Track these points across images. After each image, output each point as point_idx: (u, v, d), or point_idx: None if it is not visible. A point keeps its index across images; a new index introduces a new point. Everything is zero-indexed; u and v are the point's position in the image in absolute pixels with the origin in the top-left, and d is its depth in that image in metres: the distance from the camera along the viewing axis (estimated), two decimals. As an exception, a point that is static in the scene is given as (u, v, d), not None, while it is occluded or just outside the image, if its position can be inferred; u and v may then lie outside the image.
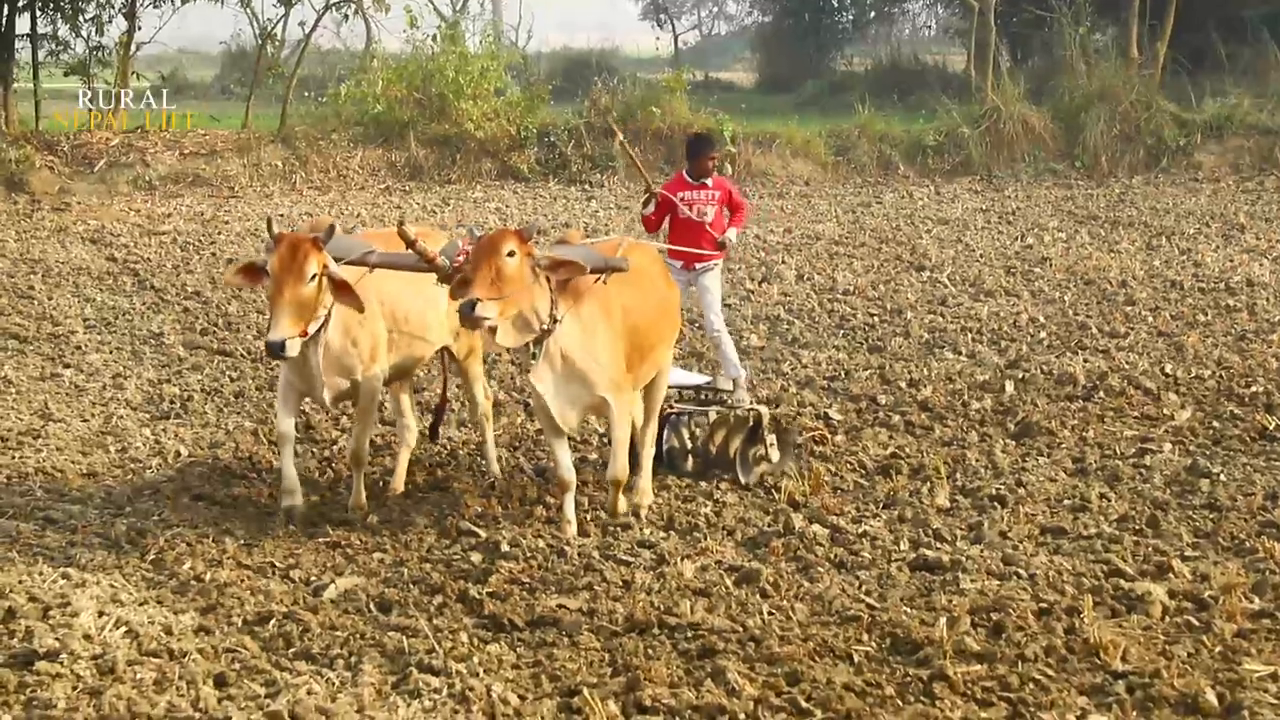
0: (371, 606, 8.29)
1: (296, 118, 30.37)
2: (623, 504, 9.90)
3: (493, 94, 30.43)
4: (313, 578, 8.79)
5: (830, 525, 9.62)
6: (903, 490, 10.39)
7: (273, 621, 7.99)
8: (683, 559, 8.99)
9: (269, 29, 32.25)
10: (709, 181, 11.97)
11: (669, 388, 10.94)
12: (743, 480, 10.74)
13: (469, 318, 8.71)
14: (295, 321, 9.09)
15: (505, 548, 9.24)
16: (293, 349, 9.09)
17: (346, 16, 33.44)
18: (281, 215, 24.77)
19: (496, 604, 8.26)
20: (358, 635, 7.83)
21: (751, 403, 11.56)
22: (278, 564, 9.05)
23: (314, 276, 9.15)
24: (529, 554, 9.15)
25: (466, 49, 31.29)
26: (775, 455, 10.96)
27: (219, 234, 22.81)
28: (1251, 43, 34.64)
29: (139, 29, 30.37)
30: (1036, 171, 30.23)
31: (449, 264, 9.48)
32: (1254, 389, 12.72)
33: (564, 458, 9.68)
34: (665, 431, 11.06)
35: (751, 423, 11.03)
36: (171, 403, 13.01)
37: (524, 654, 7.63)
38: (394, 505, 10.25)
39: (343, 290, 9.30)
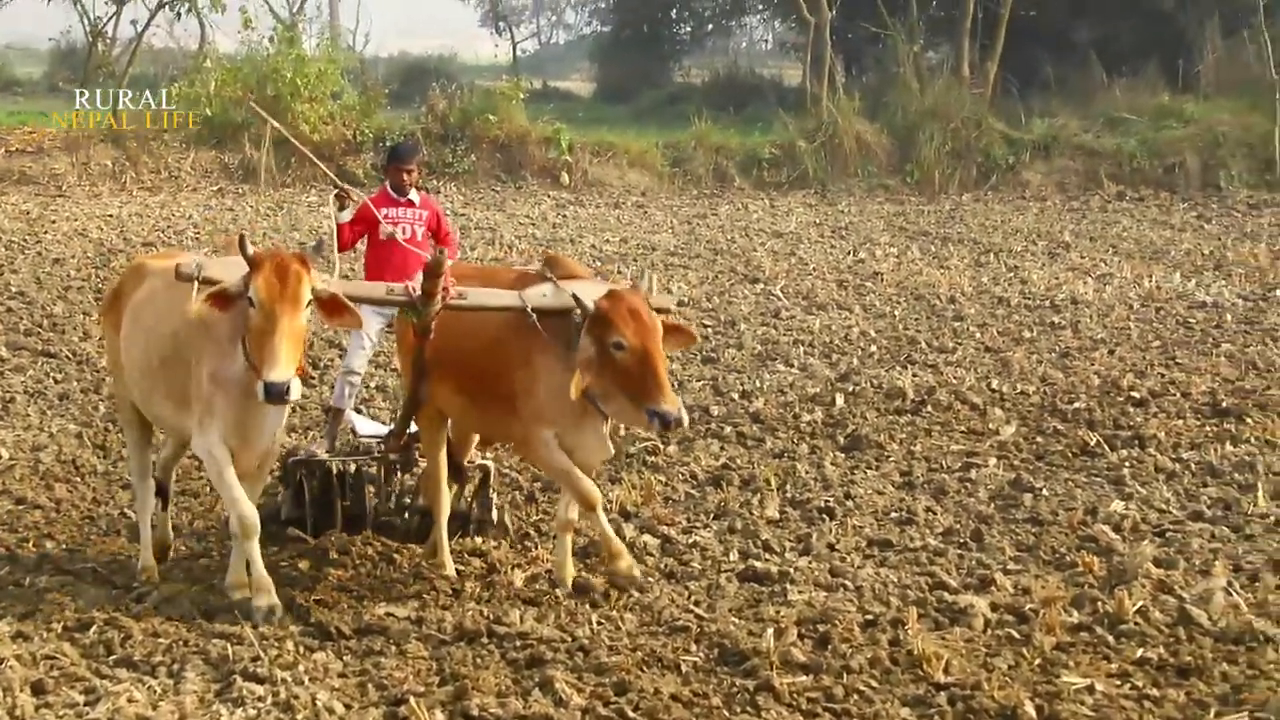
0: (195, 613, 8.18)
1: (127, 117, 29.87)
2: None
3: (329, 97, 30.18)
4: (135, 583, 8.65)
5: (661, 535, 9.66)
6: (733, 501, 10.45)
7: (93, 628, 7.86)
8: (513, 568, 9.00)
9: (100, 26, 31.71)
10: (414, 198, 10.63)
11: (367, 438, 10.27)
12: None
13: (677, 428, 8.02)
14: (294, 358, 7.74)
15: (334, 555, 9.18)
16: (295, 391, 7.76)
17: (180, 15, 32.84)
18: (111, 215, 24.40)
19: (324, 611, 8.20)
20: (180, 642, 7.72)
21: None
22: (100, 569, 8.90)
23: (309, 303, 7.92)
24: (358, 561, 9.10)
25: (303, 51, 30.99)
26: (477, 512, 9.81)
27: (45, 233, 22.39)
28: (1079, 65, 35.32)
29: (-36, 24, 29.80)
30: (870, 186, 30.58)
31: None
32: (1076, 405, 12.94)
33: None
34: (340, 489, 9.72)
35: (477, 479, 9.85)
36: (-7, 404, 12.75)
37: (350, 662, 7.57)
38: (220, 511, 10.09)
39: (335, 310, 8.14)
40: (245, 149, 29.14)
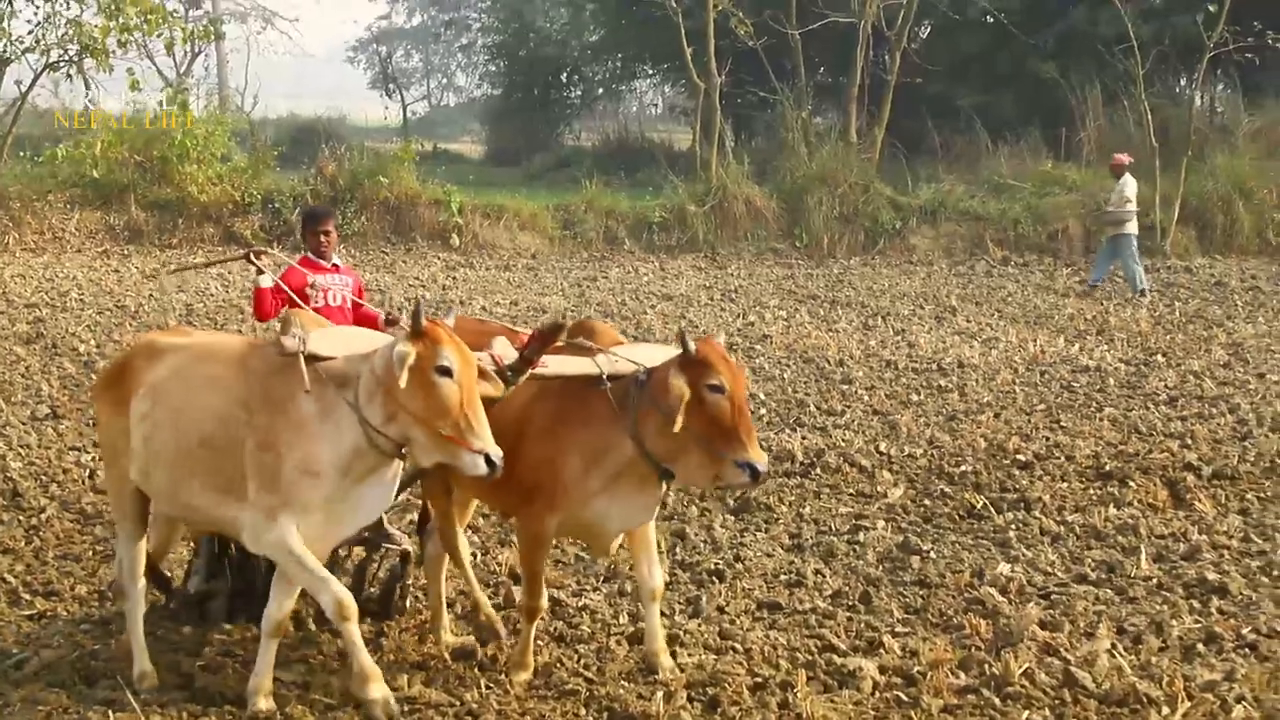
0: (77, 680, 8.05)
1: (11, 177, 29.60)
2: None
3: (217, 159, 30.03)
4: (15, 650, 8.51)
5: (550, 599, 9.61)
6: (623, 564, 10.42)
7: (-30, 697, 7.74)
8: (402, 632, 8.92)
9: (-19, 87, 31.38)
10: (339, 264, 10.28)
11: None
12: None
13: (762, 482, 7.60)
14: None
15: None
16: None
17: (69, 76, 32.48)
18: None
19: (209, 677, 8.09)
20: (61, 709, 7.61)
21: (399, 539, 9.27)
22: (-22, 637, 8.76)
23: None
24: (244, 626, 8.97)
25: (191, 113, 30.83)
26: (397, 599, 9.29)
27: (-75, 293, 22.09)
28: (964, 131, 35.81)
29: None
30: (759, 250, 30.73)
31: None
32: (963, 468, 13.04)
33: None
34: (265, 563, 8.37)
35: (399, 560, 9.27)
36: None
37: (236, 729, 7.49)
38: (105, 575, 9.96)
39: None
40: (131, 210, 28.94)
